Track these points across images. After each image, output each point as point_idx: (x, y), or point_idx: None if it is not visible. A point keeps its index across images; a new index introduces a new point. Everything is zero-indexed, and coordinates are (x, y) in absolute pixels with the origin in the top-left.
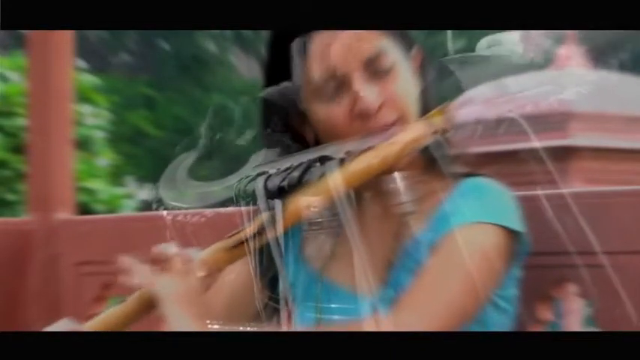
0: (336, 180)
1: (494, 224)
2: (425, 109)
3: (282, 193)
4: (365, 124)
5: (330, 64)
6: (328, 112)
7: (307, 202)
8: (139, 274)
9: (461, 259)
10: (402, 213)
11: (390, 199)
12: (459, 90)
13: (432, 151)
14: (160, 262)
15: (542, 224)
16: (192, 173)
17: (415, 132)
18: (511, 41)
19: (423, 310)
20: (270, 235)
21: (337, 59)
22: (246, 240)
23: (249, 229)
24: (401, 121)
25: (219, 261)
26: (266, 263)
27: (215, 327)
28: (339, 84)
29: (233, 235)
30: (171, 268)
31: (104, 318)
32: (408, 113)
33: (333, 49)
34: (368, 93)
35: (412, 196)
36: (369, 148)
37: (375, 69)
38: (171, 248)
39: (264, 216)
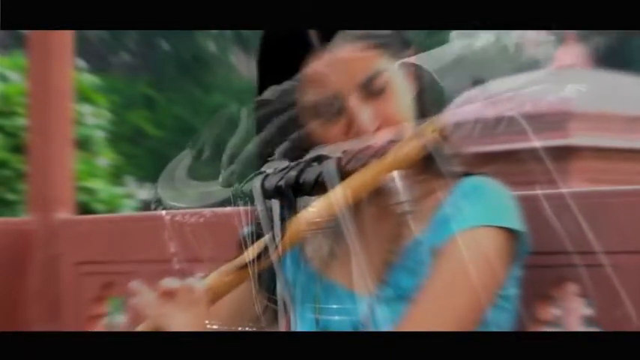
0: (337, 196)
1: (496, 227)
2: (421, 112)
3: (279, 192)
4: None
5: (326, 85)
6: (324, 131)
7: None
8: (147, 303)
9: (465, 267)
10: (401, 212)
11: (389, 199)
12: (456, 91)
13: (431, 150)
14: (167, 296)
15: (541, 224)
16: (192, 173)
17: (410, 147)
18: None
19: (430, 322)
20: (272, 255)
21: (333, 81)
22: (250, 262)
23: (252, 253)
24: (397, 138)
25: (223, 286)
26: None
27: (214, 327)
28: (336, 106)
29: (237, 260)
30: (177, 300)
31: None
32: (404, 130)
33: (329, 70)
34: (365, 116)
35: (411, 196)
36: (366, 148)
37: (371, 90)
38: (175, 282)
39: (266, 237)
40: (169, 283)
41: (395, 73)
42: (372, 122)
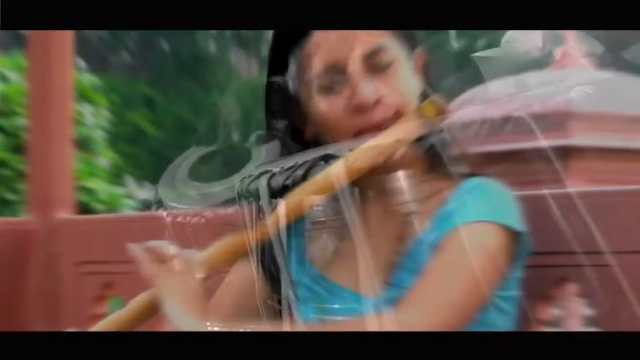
0: (337, 172)
1: (497, 223)
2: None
3: (286, 191)
4: (362, 117)
5: (330, 56)
6: (326, 104)
7: (310, 202)
8: (144, 265)
9: (464, 258)
10: (405, 212)
11: (393, 199)
12: (459, 90)
13: (435, 150)
14: (158, 258)
15: (543, 223)
16: (193, 174)
17: (410, 123)
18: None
19: (425, 309)
20: (272, 232)
21: (337, 52)
22: (248, 240)
23: (251, 230)
24: (397, 116)
25: (219, 262)
26: (268, 263)
27: (215, 328)
28: (338, 76)
29: (234, 234)
30: (172, 268)
31: (106, 324)
32: (405, 109)
33: (333, 41)
34: (366, 87)
35: (415, 196)
36: (373, 147)
37: (374, 63)
38: (168, 246)
39: (266, 213)
40: (165, 247)
41: (402, 54)
42: (373, 94)
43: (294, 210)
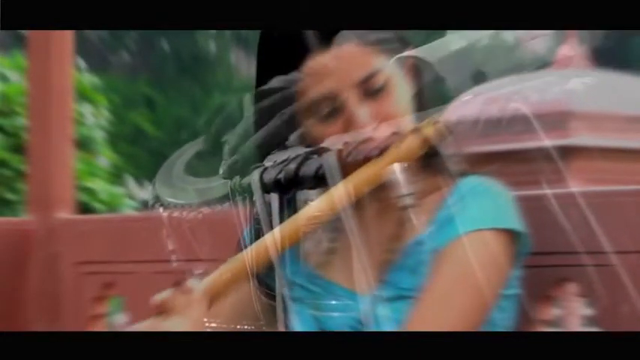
0: (339, 193)
1: (500, 229)
2: (421, 109)
3: (278, 186)
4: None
5: (325, 84)
6: (322, 130)
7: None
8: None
9: (469, 268)
10: (402, 206)
11: (390, 193)
12: (455, 91)
13: (432, 146)
14: (164, 310)
15: (543, 223)
16: (189, 169)
17: (410, 144)
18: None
19: (435, 323)
20: (270, 246)
21: (331, 80)
22: (248, 260)
23: (251, 251)
24: (395, 135)
25: (223, 285)
26: (264, 273)
27: (213, 325)
28: (334, 105)
29: (235, 258)
30: (174, 306)
31: None
32: (402, 127)
33: (327, 69)
34: (362, 115)
35: (412, 189)
36: (368, 140)
37: (369, 89)
38: (167, 293)
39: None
40: (162, 296)
41: (394, 72)
42: (370, 121)
43: (290, 237)
